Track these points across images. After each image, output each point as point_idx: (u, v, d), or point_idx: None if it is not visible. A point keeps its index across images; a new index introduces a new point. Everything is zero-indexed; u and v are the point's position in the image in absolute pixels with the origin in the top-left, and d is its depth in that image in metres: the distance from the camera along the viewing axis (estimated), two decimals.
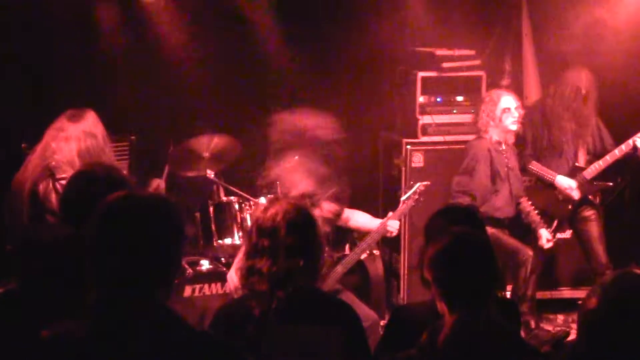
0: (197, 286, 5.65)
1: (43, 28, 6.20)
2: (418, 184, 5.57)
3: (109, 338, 2.27)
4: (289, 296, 3.09)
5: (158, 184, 5.89)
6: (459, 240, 2.92)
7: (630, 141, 6.06)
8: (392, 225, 5.43)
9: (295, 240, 3.13)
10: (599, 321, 2.42)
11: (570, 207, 6.30)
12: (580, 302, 6.72)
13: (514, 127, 5.98)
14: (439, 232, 3.13)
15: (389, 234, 5.49)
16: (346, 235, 5.93)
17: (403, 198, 5.59)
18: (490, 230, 5.44)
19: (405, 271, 6.51)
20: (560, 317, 6.56)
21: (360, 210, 5.70)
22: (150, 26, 6.71)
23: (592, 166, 6.25)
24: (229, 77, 6.86)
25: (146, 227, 2.33)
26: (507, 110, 5.95)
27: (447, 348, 2.75)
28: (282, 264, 3.10)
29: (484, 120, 6.03)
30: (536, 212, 6.14)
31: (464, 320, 2.77)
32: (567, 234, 6.56)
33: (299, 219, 3.18)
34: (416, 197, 5.54)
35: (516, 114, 5.96)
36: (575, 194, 6.23)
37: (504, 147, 6.04)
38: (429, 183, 5.62)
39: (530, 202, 6.15)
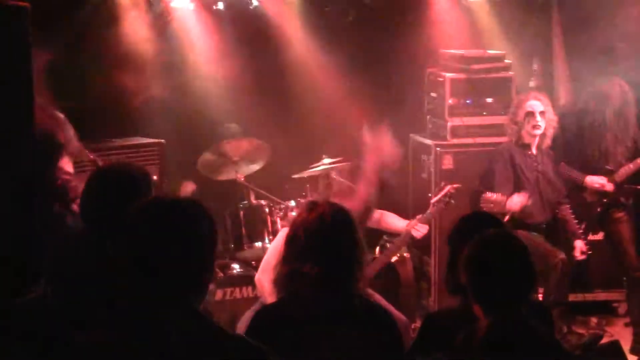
0: (228, 290, 5.68)
1: (73, 33, 6.25)
2: (448, 187, 5.56)
3: (143, 342, 2.28)
4: (333, 301, 3.07)
5: (190, 187, 5.93)
6: (494, 242, 2.89)
7: None
8: (420, 228, 5.41)
9: (341, 241, 3.10)
10: None
11: (599, 209, 6.25)
12: (614, 304, 6.70)
13: (537, 132, 5.91)
14: (462, 238, 3.11)
15: (416, 236, 5.47)
16: (376, 237, 5.92)
17: (433, 200, 5.58)
18: (521, 233, 5.43)
19: (436, 274, 6.48)
20: (593, 320, 6.50)
21: (390, 211, 5.69)
22: (179, 31, 6.75)
23: (622, 169, 6.19)
24: (260, 81, 6.88)
25: (178, 232, 2.34)
26: (529, 115, 5.91)
27: (483, 350, 2.73)
28: (329, 266, 3.07)
29: (508, 123, 6.03)
30: (576, 221, 6.09)
31: (499, 323, 2.75)
32: (599, 235, 6.50)
33: (345, 219, 3.15)
34: (446, 199, 5.53)
35: (539, 119, 5.88)
36: (609, 187, 6.16)
37: (534, 151, 5.98)
38: (459, 185, 5.60)
39: (570, 211, 6.09)
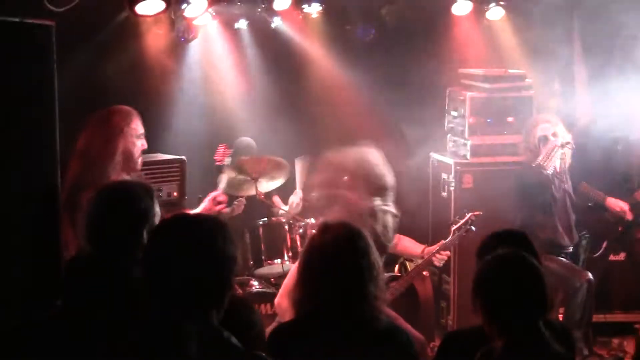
0: None
1: (98, 50, 6.31)
2: (469, 214, 5.53)
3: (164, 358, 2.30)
4: (349, 324, 3.07)
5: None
6: (503, 262, 2.88)
7: None
8: (441, 256, 5.39)
9: (357, 263, 3.09)
10: None
11: (620, 228, 6.21)
12: (636, 325, 6.64)
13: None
14: (488, 254, 3.10)
15: (437, 264, 5.45)
16: (394, 255, 5.92)
17: (454, 228, 5.55)
18: (548, 257, 5.40)
19: (456, 293, 6.46)
20: (614, 341, 6.44)
21: (410, 229, 5.68)
22: (201, 48, 6.80)
23: None
24: (280, 99, 6.93)
25: (199, 249, 2.36)
26: (543, 139, 5.87)
27: None
28: (345, 288, 3.07)
29: (524, 150, 6.00)
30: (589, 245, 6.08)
31: (512, 345, 2.74)
32: (620, 256, 6.46)
33: (360, 241, 3.15)
34: (467, 227, 5.50)
35: (552, 139, 5.83)
36: (628, 216, 6.14)
37: (559, 170, 5.90)
38: (480, 213, 5.56)
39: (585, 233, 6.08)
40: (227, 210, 5.20)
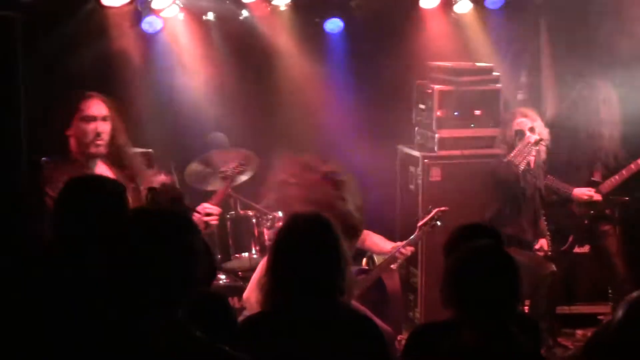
0: None
1: (57, 40, 6.25)
2: (435, 210, 5.56)
3: (127, 354, 2.29)
4: (321, 311, 3.08)
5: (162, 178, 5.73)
6: (479, 253, 2.89)
7: None
8: (405, 251, 5.42)
9: (325, 251, 3.10)
10: (621, 336, 2.41)
11: (586, 222, 6.27)
12: (599, 317, 6.73)
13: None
14: (458, 247, 3.12)
15: (400, 259, 5.47)
16: (363, 250, 5.93)
17: (420, 224, 5.58)
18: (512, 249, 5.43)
19: (423, 286, 6.49)
20: (578, 333, 6.52)
21: (378, 223, 5.70)
22: (169, 41, 6.75)
23: (608, 181, 6.23)
24: (248, 92, 6.90)
25: (163, 243, 2.35)
26: (519, 133, 5.89)
27: None
28: (313, 276, 3.07)
29: (499, 144, 6.02)
30: (554, 234, 6.12)
31: (484, 334, 2.76)
32: (585, 248, 6.53)
33: (328, 230, 3.16)
34: (433, 222, 5.53)
35: (529, 134, 5.86)
36: (596, 197, 6.18)
37: (532, 166, 5.90)
38: (446, 208, 5.58)
39: (543, 211, 6.10)
40: (216, 222, 5.14)
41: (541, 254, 6.02)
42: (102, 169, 4.62)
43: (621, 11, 6.68)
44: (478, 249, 2.92)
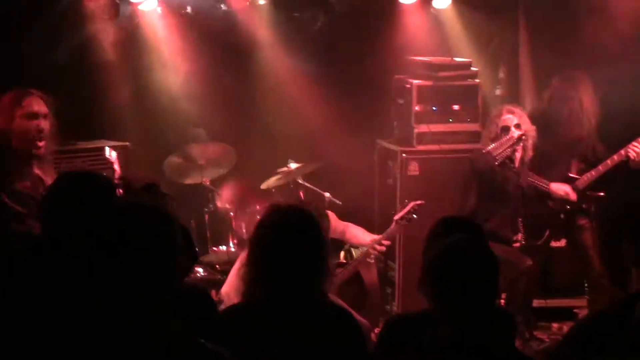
0: None
1: (40, 36, 6.21)
2: (411, 203, 5.58)
3: (105, 350, 2.29)
4: (300, 303, 3.08)
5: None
6: (460, 246, 2.90)
7: (622, 151, 6.08)
8: (380, 248, 5.44)
9: (304, 242, 3.10)
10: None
11: (562, 216, 6.31)
12: (575, 310, 6.74)
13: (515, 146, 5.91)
14: (438, 241, 3.12)
15: (375, 254, 5.50)
16: (341, 243, 5.95)
17: (396, 218, 5.60)
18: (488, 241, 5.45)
19: (401, 279, 6.51)
20: (554, 326, 6.57)
21: (356, 216, 5.72)
22: (147, 34, 6.73)
23: (584, 176, 6.27)
24: (227, 86, 6.89)
25: (142, 237, 2.34)
26: (505, 129, 5.91)
27: (445, 355, 2.75)
28: (292, 267, 3.07)
29: (485, 140, 6.04)
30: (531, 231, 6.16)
31: (462, 328, 2.77)
32: (562, 242, 6.57)
33: (308, 222, 3.16)
34: (409, 216, 5.56)
35: (514, 131, 5.86)
36: (572, 196, 6.22)
37: (517, 164, 5.92)
38: (422, 202, 5.62)
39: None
40: None
41: (517, 245, 6.06)
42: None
43: (601, 7, 6.72)
44: (459, 242, 2.92)
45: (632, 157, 6.04)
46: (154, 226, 2.35)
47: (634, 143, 6.06)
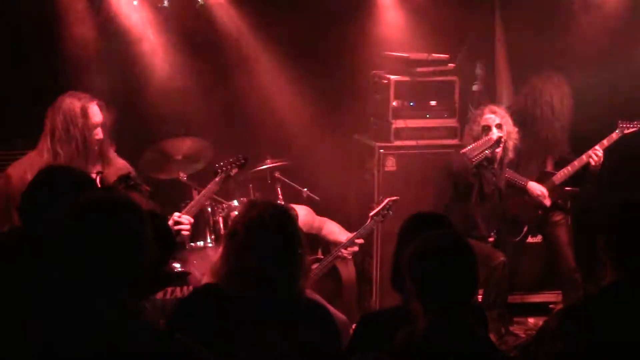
0: (169, 289, 5.61)
1: (8, 28, 6.16)
2: (387, 200, 5.59)
3: (76, 342, 2.27)
4: (274, 299, 3.08)
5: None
6: (439, 241, 2.90)
7: (584, 156, 6.17)
8: (351, 249, 5.45)
9: (280, 239, 3.11)
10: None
11: (540, 212, 6.35)
12: (550, 306, 6.78)
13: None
14: (412, 236, 3.12)
15: (345, 256, 5.52)
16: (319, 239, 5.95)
17: (371, 214, 5.61)
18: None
19: (378, 275, 6.52)
20: (530, 321, 6.61)
21: (333, 212, 5.72)
22: (122, 27, 6.68)
23: (561, 171, 6.31)
24: (203, 80, 6.85)
25: (113, 229, 2.33)
26: (486, 129, 5.93)
27: (421, 350, 2.75)
28: (266, 263, 3.07)
29: (466, 139, 6.05)
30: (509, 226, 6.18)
31: (439, 322, 2.77)
32: (538, 238, 6.61)
33: (284, 218, 3.16)
34: (384, 212, 5.57)
35: (495, 132, 5.88)
36: (547, 202, 6.28)
37: (495, 165, 5.94)
38: (397, 198, 5.63)
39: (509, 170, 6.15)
40: (188, 233, 5.07)
41: (491, 239, 6.09)
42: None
43: (576, 4, 6.76)
44: (439, 237, 2.93)
45: (592, 163, 6.13)
46: (115, 217, 2.35)
47: (596, 148, 6.15)
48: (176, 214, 4.97)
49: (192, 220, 4.98)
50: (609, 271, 3.04)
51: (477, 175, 5.86)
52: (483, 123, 5.94)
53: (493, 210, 6.05)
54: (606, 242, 3.07)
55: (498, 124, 5.92)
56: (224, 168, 5.24)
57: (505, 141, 5.92)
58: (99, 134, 4.93)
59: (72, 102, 4.88)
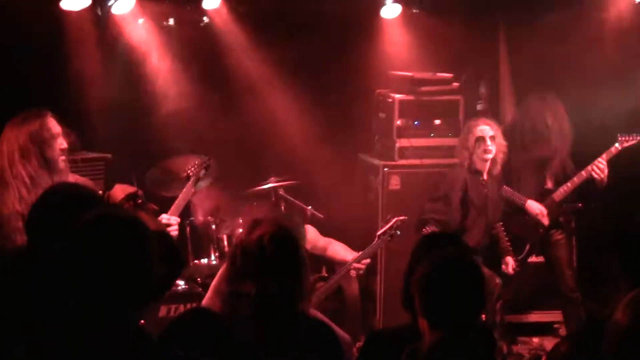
0: (173, 306, 5.61)
1: (15, 44, 6.18)
2: (394, 219, 5.58)
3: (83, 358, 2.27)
4: (275, 322, 3.07)
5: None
6: (450, 260, 2.91)
7: (589, 167, 6.17)
8: (359, 267, 5.44)
9: (279, 262, 3.09)
10: (631, 336, 2.42)
11: (541, 230, 6.34)
12: (555, 325, 6.76)
13: (488, 156, 5.93)
14: (424, 255, 3.13)
15: (352, 274, 5.51)
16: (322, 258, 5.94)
17: (378, 233, 5.59)
18: None
19: (382, 293, 6.51)
20: (534, 340, 6.59)
21: (337, 230, 5.71)
22: (127, 45, 6.70)
23: (560, 188, 6.33)
24: (208, 99, 6.87)
25: (120, 248, 2.33)
26: (480, 140, 5.96)
27: None
28: (269, 286, 3.06)
29: (459, 149, 6.07)
30: (507, 238, 6.16)
31: (444, 340, 2.77)
32: (540, 258, 6.60)
33: (285, 240, 3.15)
34: (392, 232, 5.55)
35: (489, 143, 5.93)
36: (545, 221, 6.28)
37: (485, 177, 6.00)
38: (405, 217, 5.62)
39: (503, 229, 6.16)
40: (176, 233, 5.16)
41: (511, 272, 6.08)
42: None
43: (580, 26, 6.79)
44: (446, 257, 2.94)
45: (596, 177, 6.13)
46: (122, 235, 2.35)
47: (598, 161, 6.15)
48: (164, 215, 5.11)
49: (179, 220, 5.24)
50: (622, 291, 3.02)
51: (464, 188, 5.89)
52: (478, 134, 5.97)
53: (488, 221, 6.04)
54: (624, 263, 3.06)
55: (492, 135, 5.96)
56: (193, 171, 5.60)
57: (496, 153, 5.95)
58: (62, 143, 4.73)
59: (27, 121, 4.68)
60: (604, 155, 6.23)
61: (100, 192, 4.56)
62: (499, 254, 6.14)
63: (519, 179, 6.34)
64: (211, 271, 5.80)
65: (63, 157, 4.67)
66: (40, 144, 4.58)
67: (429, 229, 5.74)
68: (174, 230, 5.06)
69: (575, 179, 6.26)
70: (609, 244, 3.17)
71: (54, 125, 4.69)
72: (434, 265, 2.87)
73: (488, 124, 6.04)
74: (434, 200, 6.00)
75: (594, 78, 6.68)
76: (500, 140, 6.00)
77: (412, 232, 5.70)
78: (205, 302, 4.81)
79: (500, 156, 6.01)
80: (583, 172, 6.23)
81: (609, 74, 6.64)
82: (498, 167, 6.04)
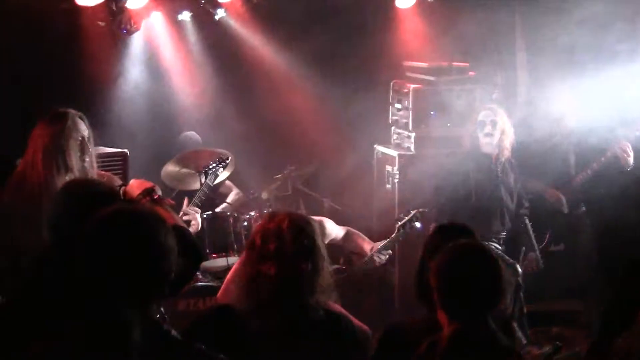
0: (192, 300, 5.63)
1: (31, 40, 6.20)
2: (414, 211, 5.55)
3: (102, 352, 2.28)
4: (293, 308, 3.08)
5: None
6: (467, 250, 2.91)
7: (612, 150, 6.13)
8: (382, 256, 5.42)
9: (300, 246, 3.11)
10: None
11: (561, 219, 6.31)
12: (575, 314, 6.67)
13: (488, 140, 5.90)
14: (437, 247, 3.12)
15: (376, 265, 5.49)
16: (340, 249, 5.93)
17: (399, 224, 5.58)
18: None
19: (399, 284, 6.50)
20: (554, 330, 6.55)
21: (354, 221, 5.70)
22: (143, 40, 6.72)
23: (579, 175, 6.30)
24: (224, 92, 6.89)
25: (138, 242, 2.34)
26: (481, 124, 5.93)
27: (446, 358, 2.74)
28: (287, 269, 3.08)
29: (466, 135, 6.06)
30: (534, 234, 6.11)
31: (463, 331, 2.77)
32: (561, 246, 6.56)
33: (302, 228, 3.16)
34: (412, 223, 5.53)
35: (490, 127, 5.89)
36: (565, 209, 6.25)
37: (493, 160, 5.99)
38: (425, 210, 5.59)
39: (530, 224, 6.10)
40: (197, 228, 5.24)
41: (534, 268, 6.05)
42: None
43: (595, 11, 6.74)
44: (463, 247, 2.93)
45: (621, 155, 6.07)
46: (139, 230, 2.36)
47: (623, 143, 6.09)
48: (183, 209, 5.22)
49: (198, 213, 5.33)
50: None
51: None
52: (479, 119, 5.95)
53: (504, 205, 6.00)
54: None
55: (492, 120, 5.92)
56: (211, 165, 5.69)
57: (501, 139, 5.90)
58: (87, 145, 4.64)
59: (53, 121, 4.71)
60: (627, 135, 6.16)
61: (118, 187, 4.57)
62: (523, 246, 6.10)
63: (538, 167, 6.31)
64: (229, 265, 5.81)
65: (86, 157, 4.69)
66: (64, 144, 4.60)
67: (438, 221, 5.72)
68: (193, 225, 5.08)
69: (595, 165, 6.23)
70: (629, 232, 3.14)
71: (79, 125, 4.71)
72: (450, 257, 2.87)
73: (490, 109, 6.02)
74: (441, 189, 5.97)
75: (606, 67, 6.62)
76: (504, 126, 5.95)
77: (429, 224, 5.68)
78: (220, 295, 4.83)
79: (507, 142, 5.95)
80: (602, 158, 6.19)
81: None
82: (506, 153, 5.98)
